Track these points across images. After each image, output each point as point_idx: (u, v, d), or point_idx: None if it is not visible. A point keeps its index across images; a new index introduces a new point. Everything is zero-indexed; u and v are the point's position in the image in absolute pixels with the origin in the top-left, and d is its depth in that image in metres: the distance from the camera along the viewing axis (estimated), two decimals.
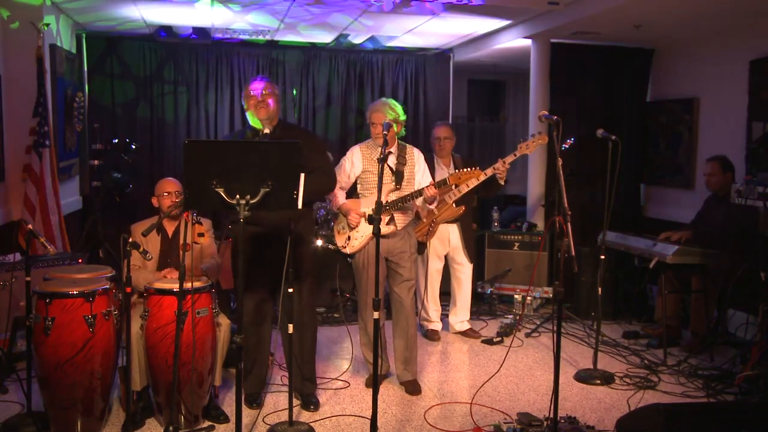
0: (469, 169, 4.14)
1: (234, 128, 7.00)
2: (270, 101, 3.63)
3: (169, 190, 3.79)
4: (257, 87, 3.65)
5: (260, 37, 6.84)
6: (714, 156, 5.02)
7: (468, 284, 5.22)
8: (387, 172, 4.05)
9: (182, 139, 6.80)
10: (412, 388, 4.09)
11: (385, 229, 3.97)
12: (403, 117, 4.07)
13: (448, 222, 4.98)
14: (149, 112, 6.85)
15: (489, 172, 4.71)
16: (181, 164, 2.80)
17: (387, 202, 3.96)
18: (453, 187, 4.86)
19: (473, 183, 4.74)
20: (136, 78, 6.79)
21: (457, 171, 4.16)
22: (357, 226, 4.04)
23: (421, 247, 4.84)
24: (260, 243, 3.66)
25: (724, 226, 4.74)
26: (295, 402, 3.63)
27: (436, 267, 5.13)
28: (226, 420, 3.55)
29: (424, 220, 4.84)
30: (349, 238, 4.08)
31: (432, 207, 4.28)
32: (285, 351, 3.95)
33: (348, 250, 4.09)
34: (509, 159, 4.69)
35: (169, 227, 3.83)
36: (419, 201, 4.15)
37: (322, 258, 5.69)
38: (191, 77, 6.92)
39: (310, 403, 3.80)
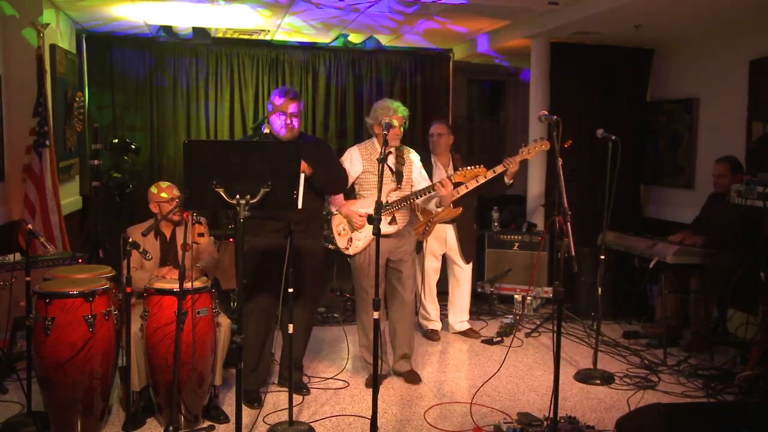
0: (473, 167, 4.15)
1: (233, 128, 6.99)
2: (296, 122, 3.72)
3: (173, 196, 3.79)
4: (290, 107, 3.69)
5: (260, 37, 6.84)
6: (723, 157, 4.98)
7: (466, 284, 5.22)
8: (387, 171, 4.08)
9: (182, 139, 6.80)
10: (412, 377, 4.15)
11: (389, 228, 4.01)
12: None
13: (444, 222, 4.98)
14: (149, 112, 6.85)
15: (489, 174, 4.70)
16: (181, 164, 2.80)
17: (389, 201, 4.00)
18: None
19: (472, 185, 4.74)
20: (136, 78, 6.78)
21: (461, 169, 4.17)
22: (362, 227, 4.05)
23: (418, 246, 4.86)
24: (273, 243, 3.67)
25: (737, 229, 4.69)
26: (296, 401, 3.63)
27: (432, 266, 5.13)
28: (226, 420, 3.55)
29: (421, 219, 4.84)
30: (350, 239, 4.08)
31: (439, 209, 4.29)
32: (283, 351, 3.97)
33: (351, 251, 4.10)
34: (512, 159, 4.69)
35: (167, 230, 3.83)
36: (431, 204, 4.26)
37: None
38: (191, 77, 6.92)
39: (303, 388, 3.99)
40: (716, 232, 4.82)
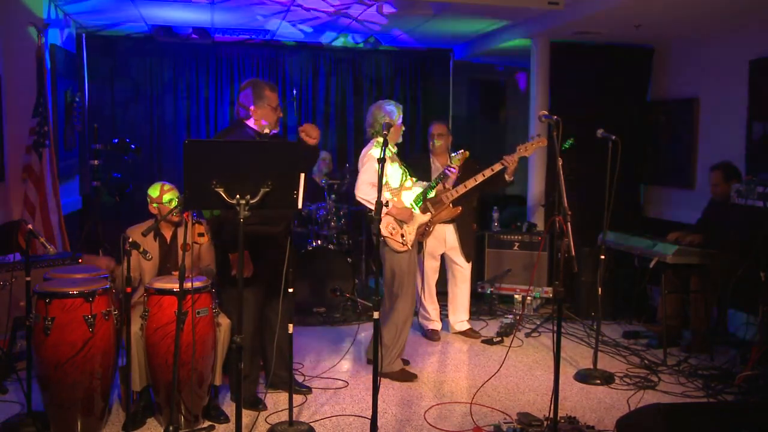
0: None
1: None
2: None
3: (171, 198, 3.77)
4: (277, 101, 3.72)
5: (260, 37, 6.84)
6: (717, 164, 4.98)
7: (466, 284, 5.22)
8: (403, 169, 4.35)
9: (182, 138, 6.80)
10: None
11: (425, 217, 4.39)
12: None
13: (444, 222, 4.98)
14: (149, 112, 6.86)
15: (487, 173, 4.73)
16: (181, 164, 2.80)
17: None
18: (450, 187, 4.87)
19: (471, 184, 4.76)
20: (136, 78, 6.79)
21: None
22: (410, 220, 4.23)
23: (417, 246, 4.86)
24: (264, 244, 3.66)
25: (737, 229, 4.69)
26: (298, 401, 3.63)
27: (431, 266, 5.13)
28: (226, 420, 3.55)
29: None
30: (402, 235, 4.18)
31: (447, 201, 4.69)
32: (269, 349, 3.92)
33: (410, 245, 4.23)
34: (510, 157, 4.71)
35: (167, 232, 3.82)
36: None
37: (322, 258, 5.69)
38: (191, 77, 6.92)
39: (302, 386, 4.01)
40: (718, 234, 4.82)
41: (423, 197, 4.44)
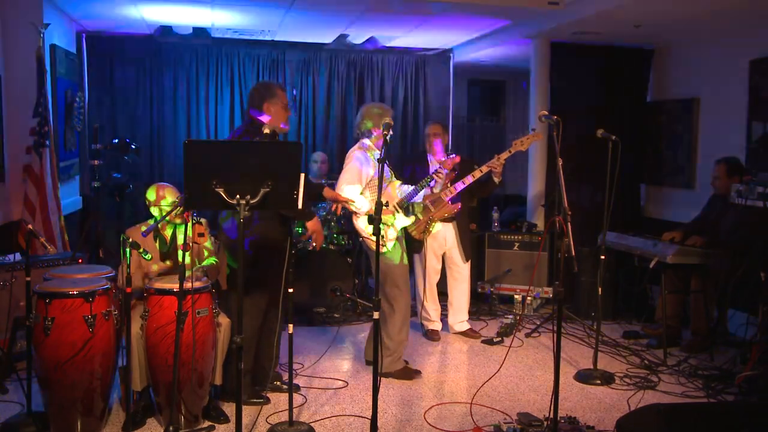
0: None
1: (233, 128, 6.99)
2: None
3: (172, 198, 3.76)
4: (286, 97, 3.82)
5: (260, 37, 6.83)
6: (722, 158, 4.99)
7: (465, 284, 5.21)
8: (387, 170, 4.29)
9: (182, 138, 6.80)
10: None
11: (408, 220, 4.33)
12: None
13: (444, 221, 4.98)
14: (149, 112, 6.85)
15: (484, 169, 4.72)
16: (181, 164, 2.80)
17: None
18: (449, 185, 4.87)
19: (469, 180, 4.76)
20: (136, 78, 6.79)
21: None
22: (390, 221, 4.20)
23: (418, 246, 4.86)
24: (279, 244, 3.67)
25: (737, 229, 4.69)
26: (298, 401, 3.63)
27: (433, 266, 5.12)
28: (226, 420, 3.55)
29: (421, 218, 4.83)
30: (383, 236, 4.12)
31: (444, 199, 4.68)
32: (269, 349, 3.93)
33: (389, 246, 4.17)
34: (504, 155, 4.70)
35: (166, 232, 3.81)
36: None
37: (322, 258, 5.69)
38: (191, 77, 6.92)
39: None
40: (717, 233, 4.82)
41: (408, 201, 4.39)
